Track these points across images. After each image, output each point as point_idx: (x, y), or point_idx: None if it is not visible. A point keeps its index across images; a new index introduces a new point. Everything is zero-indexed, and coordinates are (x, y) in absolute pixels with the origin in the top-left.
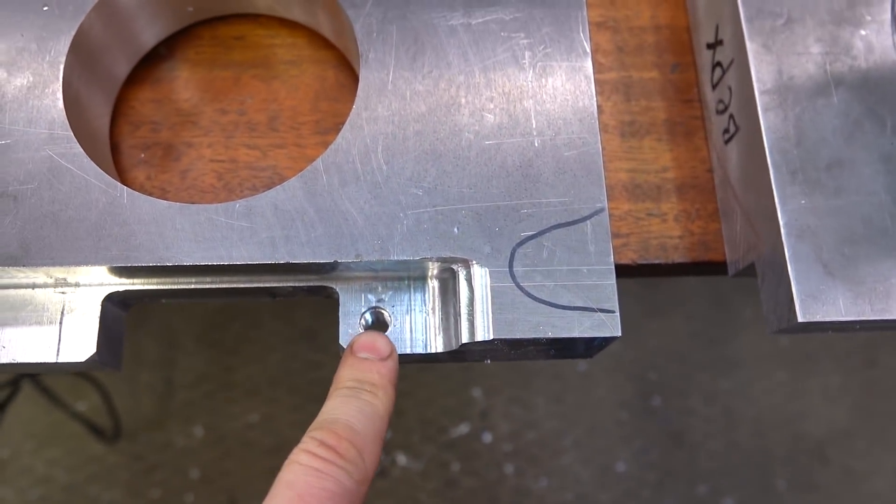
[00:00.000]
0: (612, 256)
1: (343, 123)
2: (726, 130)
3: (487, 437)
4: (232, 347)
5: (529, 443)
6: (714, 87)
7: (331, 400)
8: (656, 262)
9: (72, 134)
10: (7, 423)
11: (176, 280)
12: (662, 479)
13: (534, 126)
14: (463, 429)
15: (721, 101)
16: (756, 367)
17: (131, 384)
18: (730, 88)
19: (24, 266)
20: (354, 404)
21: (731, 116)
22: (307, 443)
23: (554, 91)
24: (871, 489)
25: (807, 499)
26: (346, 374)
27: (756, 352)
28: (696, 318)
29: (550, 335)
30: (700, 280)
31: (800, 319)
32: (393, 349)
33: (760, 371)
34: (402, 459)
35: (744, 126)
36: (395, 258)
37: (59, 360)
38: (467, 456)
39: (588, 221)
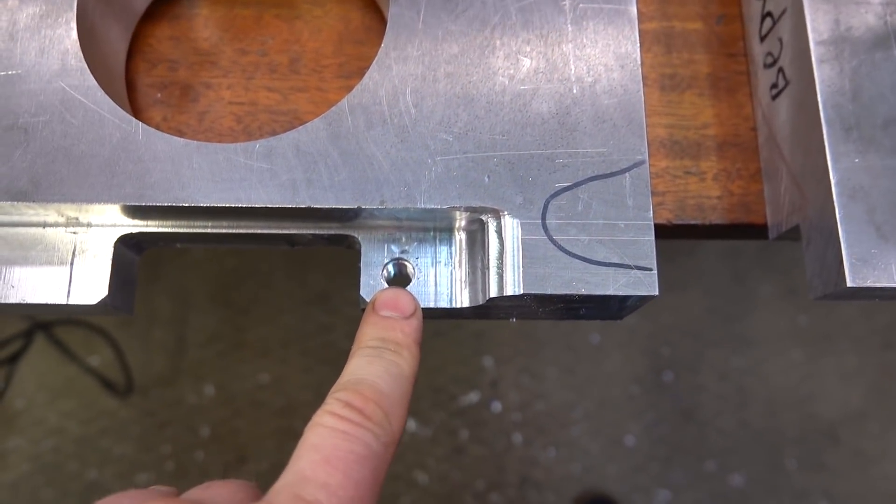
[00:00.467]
0: (651, 211)
1: (368, 68)
2: (774, 85)
3: (497, 407)
4: (244, 307)
5: (539, 413)
6: (763, 39)
7: (354, 359)
8: (693, 222)
9: (85, 66)
10: (21, 374)
11: (191, 223)
12: (671, 454)
13: (572, 71)
14: (473, 397)
15: (770, 53)
16: (771, 346)
17: (144, 341)
18: (780, 40)
19: (34, 202)
20: (379, 364)
21: (781, 70)
22: (332, 404)
23: (595, 35)
24: (882, 472)
25: (816, 479)
26: (369, 332)
27: (772, 330)
28: (712, 294)
29: (584, 292)
30: (718, 255)
31: (849, 284)
32: (417, 306)
33: (775, 350)
34: (411, 425)
35: (795, 80)
36: (422, 206)
37: (70, 303)
38: (476, 424)
39: (627, 174)
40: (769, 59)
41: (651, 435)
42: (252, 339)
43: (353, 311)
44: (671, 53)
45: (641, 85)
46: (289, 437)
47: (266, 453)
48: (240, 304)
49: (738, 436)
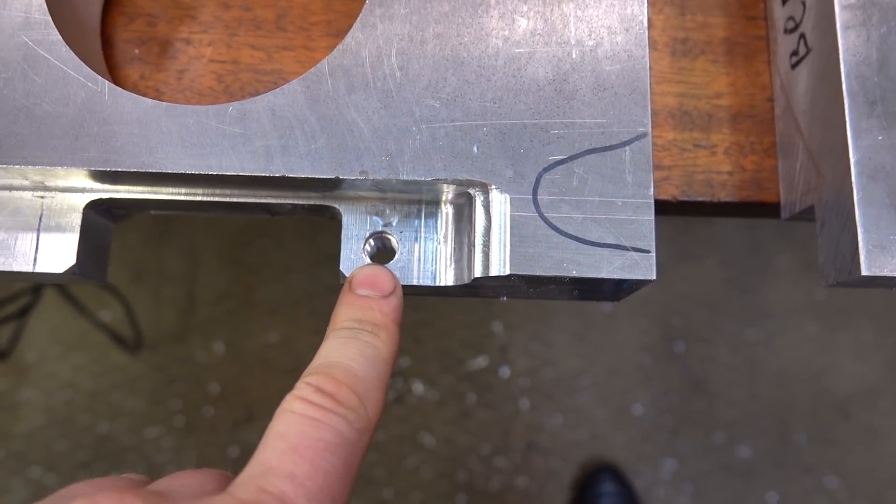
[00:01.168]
0: (652, 189)
1: None
2: (794, 52)
3: (505, 372)
4: (254, 267)
5: (547, 380)
6: (785, 1)
7: (327, 342)
8: (700, 199)
9: (50, 19)
10: (32, 328)
11: (163, 189)
12: (679, 424)
13: (572, 34)
14: (481, 362)
15: (791, 18)
16: (786, 319)
17: (154, 297)
18: (804, 3)
19: None
20: (354, 346)
21: (803, 36)
22: (302, 389)
23: None
24: (892, 449)
25: (825, 453)
26: (344, 312)
27: (788, 303)
28: (728, 265)
29: (575, 274)
30: (735, 225)
31: (864, 273)
32: (397, 284)
33: (790, 323)
34: (418, 388)
35: (817, 47)
36: (405, 177)
37: (37, 270)
38: (484, 388)
39: (627, 147)
40: (790, 24)
41: (659, 405)
42: (261, 299)
43: None
44: (685, 15)
45: (647, 50)
46: None
47: (273, 412)
48: (250, 263)
49: (747, 408)
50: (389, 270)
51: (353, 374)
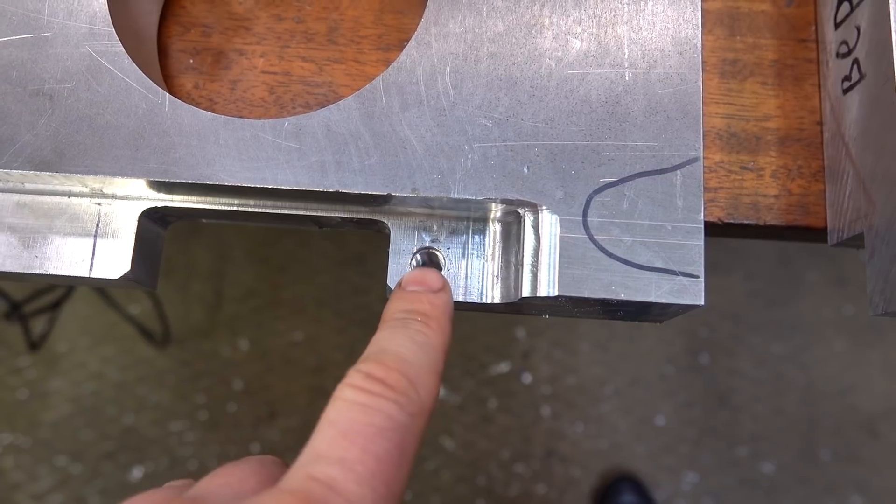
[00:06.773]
0: (702, 213)
1: (408, 41)
2: (847, 78)
3: (527, 378)
4: (281, 265)
5: (569, 387)
6: (837, 25)
7: (378, 333)
8: (746, 222)
9: (113, 31)
10: (63, 319)
11: (217, 200)
12: (701, 436)
13: (626, 56)
14: (503, 367)
15: (845, 42)
16: (814, 334)
17: (182, 293)
18: (858, 28)
19: (56, 172)
20: (404, 334)
21: (856, 61)
22: (352, 377)
23: (653, 17)
24: None
25: (850, 472)
26: (395, 306)
27: (816, 318)
28: (756, 277)
29: (623, 297)
30: None
31: None
32: (446, 283)
33: (818, 338)
34: (440, 391)
35: (871, 73)
36: (456, 196)
37: (92, 276)
38: (505, 394)
39: (678, 171)
40: (843, 49)
41: (682, 416)
42: (287, 297)
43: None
44: (735, 37)
45: (701, 74)
46: (319, 395)
47: (296, 410)
48: (276, 262)
49: (772, 423)
50: (438, 272)
51: (402, 359)
